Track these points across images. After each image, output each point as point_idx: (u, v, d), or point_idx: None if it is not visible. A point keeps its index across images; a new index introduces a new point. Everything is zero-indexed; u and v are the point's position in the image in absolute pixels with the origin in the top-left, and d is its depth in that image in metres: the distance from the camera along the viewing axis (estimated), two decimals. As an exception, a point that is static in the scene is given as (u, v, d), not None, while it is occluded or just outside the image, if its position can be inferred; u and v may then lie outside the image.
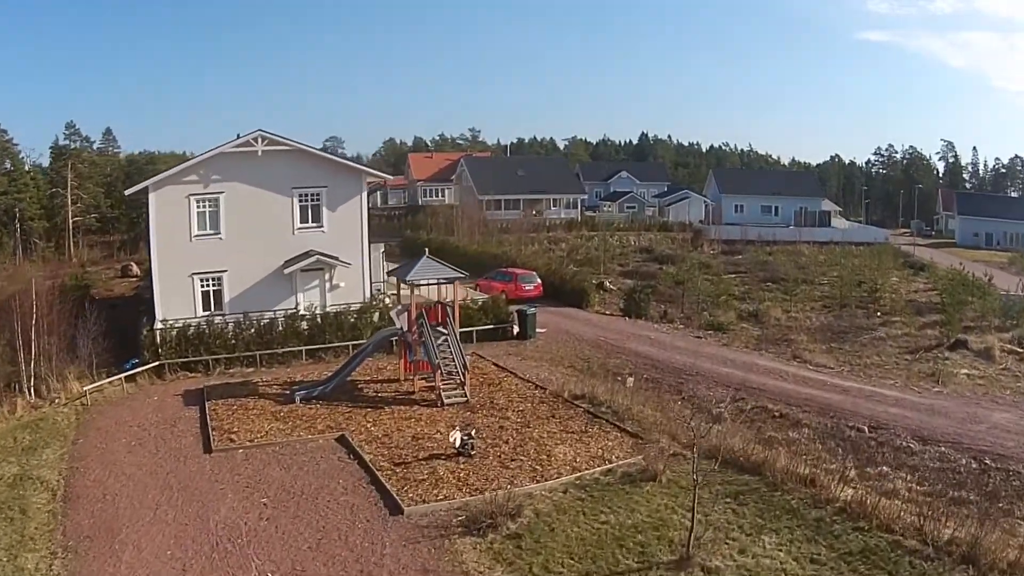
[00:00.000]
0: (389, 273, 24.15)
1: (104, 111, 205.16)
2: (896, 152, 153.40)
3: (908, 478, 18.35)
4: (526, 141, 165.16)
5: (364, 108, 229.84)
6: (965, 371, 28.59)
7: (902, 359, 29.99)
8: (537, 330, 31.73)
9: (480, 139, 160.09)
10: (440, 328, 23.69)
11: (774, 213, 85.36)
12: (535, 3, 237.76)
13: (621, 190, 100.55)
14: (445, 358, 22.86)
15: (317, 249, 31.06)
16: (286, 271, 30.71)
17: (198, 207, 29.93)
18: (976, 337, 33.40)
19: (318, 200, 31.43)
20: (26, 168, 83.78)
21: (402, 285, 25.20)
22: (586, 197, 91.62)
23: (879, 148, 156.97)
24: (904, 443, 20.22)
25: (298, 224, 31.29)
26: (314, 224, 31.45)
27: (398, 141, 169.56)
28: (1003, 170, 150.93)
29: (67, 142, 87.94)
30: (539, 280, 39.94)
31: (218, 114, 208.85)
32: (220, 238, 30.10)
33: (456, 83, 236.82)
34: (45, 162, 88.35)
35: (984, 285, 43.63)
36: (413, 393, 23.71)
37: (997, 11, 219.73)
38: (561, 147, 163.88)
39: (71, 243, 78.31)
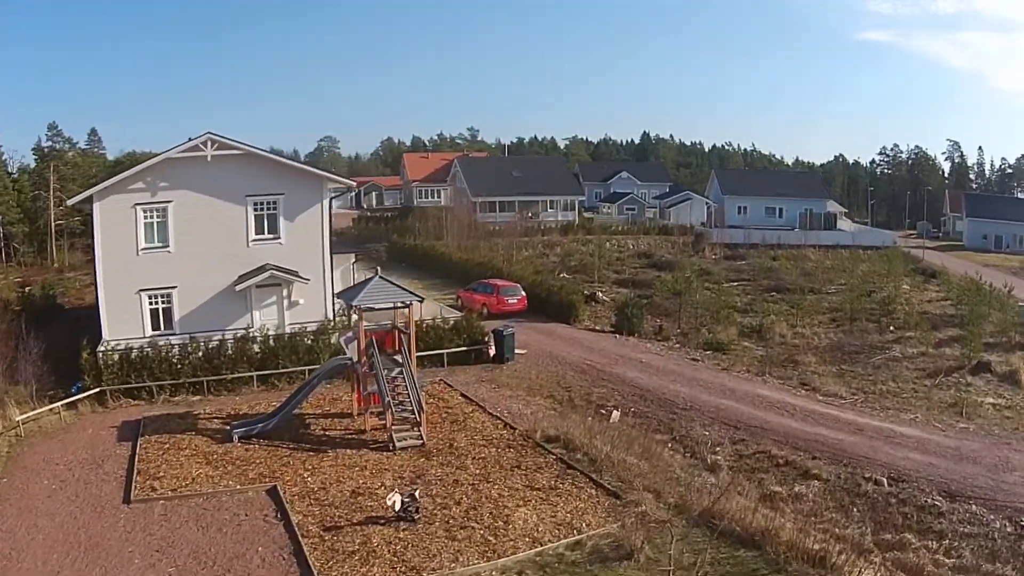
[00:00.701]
0: (337, 295, 21.30)
1: (95, 112, 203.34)
2: (901, 152, 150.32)
3: (934, 547, 15.39)
4: (526, 141, 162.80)
5: (363, 108, 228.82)
6: (991, 400, 25.56)
7: (920, 385, 26.86)
8: (516, 351, 28.63)
9: (479, 139, 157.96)
10: (396, 357, 20.79)
11: (778, 215, 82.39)
12: (535, 3, 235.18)
13: (621, 191, 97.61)
14: (400, 394, 19.96)
15: (273, 263, 28.43)
16: (238, 288, 28.06)
17: (145, 218, 27.46)
18: (998, 357, 30.39)
19: (274, 209, 28.79)
20: (10, 171, 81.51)
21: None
22: (584, 198, 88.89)
23: (884, 148, 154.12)
24: (929, 500, 17.18)
25: (253, 235, 28.66)
26: (270, 235, 28.79)
27: (396, 140, 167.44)
28: (1009, 170, 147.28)
29: (49, 143, 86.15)
30: (523, 293, 36.89)
31: (213, 115, 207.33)
32: (169, 251, 27.64)
33: (456, 83, 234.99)
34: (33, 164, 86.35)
35: (1003, 296, 40.66)
36: (365, 432, 20.87)
37: (998, 11, 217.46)
38: (562, 147, 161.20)
39: (53, 247, 76.10)
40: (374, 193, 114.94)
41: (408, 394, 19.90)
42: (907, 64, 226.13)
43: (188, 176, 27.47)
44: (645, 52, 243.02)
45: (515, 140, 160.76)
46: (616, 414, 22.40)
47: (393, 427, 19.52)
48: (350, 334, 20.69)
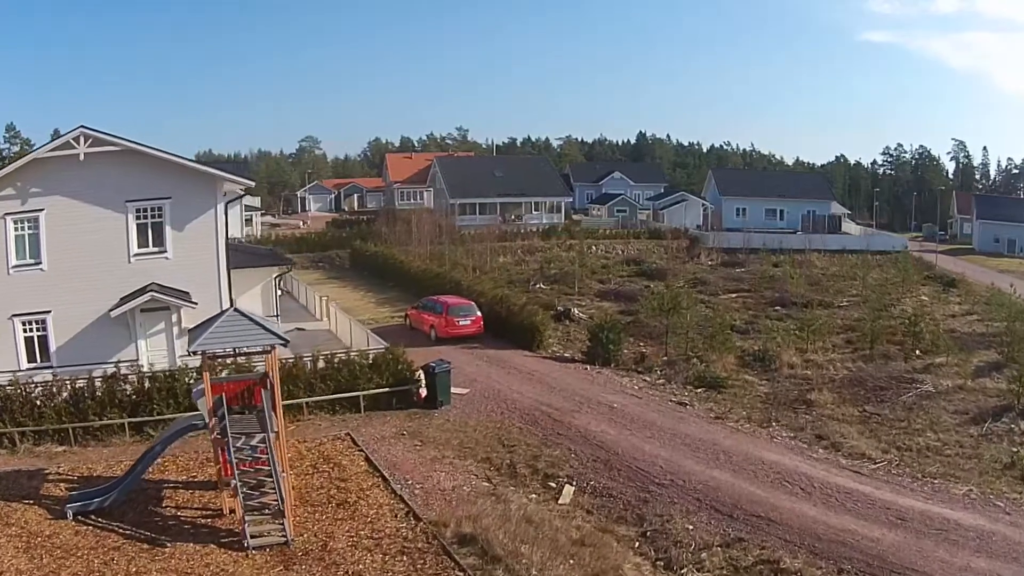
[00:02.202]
0: (190, 331, 16.03)
1: (88, 113, 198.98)
2: (905, 152, 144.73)
3: None
4: (519, 142, 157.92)
5: (356, 108, 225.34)
6: (1055, 457, 19.91)
7: (965, 434, 21.12)
8: (453, 392, 22.91)
9: (469, 138, 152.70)
10: (263, 414, 15.26)
11: (779, 217, 77.50)
12: (535, 3, 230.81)
13: (613, 192, 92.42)
14: (260, 468, 14.43)
15: (159, 282, 23.32)
16: (114, 313, 23.03)
17: (15, 229, 23.11)
18: (1047, 391, 24.76)
19: (160, 216, 23.88)
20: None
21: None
22: (572, 200, 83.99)
23: (887, 148, 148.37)
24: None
25: (135, 249, 23.76)
26: (155, 248, 23.96)
27: (384, 141, 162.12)
28: (1015, 171, 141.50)
29: (7, 145, 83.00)
30: (478, 312, 31.04)
31: (209, 115, 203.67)
32: (42, 269, 23.21)
33: (451, 83, 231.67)
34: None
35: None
36: (225, 514, 15.38)
37: (999, 11, 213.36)
38: (556, 147, 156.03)
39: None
40: (355, 195, 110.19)
41: (271, 471, 14.33)
42: (908, 65, 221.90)
43: (61, 179, 22.98)
44: (644, 51, 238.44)
45: (507, 140, 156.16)
46: (568, 491, 16.68)
47: (248, 518, 13.97)
48: (202, 385, 15.23)
